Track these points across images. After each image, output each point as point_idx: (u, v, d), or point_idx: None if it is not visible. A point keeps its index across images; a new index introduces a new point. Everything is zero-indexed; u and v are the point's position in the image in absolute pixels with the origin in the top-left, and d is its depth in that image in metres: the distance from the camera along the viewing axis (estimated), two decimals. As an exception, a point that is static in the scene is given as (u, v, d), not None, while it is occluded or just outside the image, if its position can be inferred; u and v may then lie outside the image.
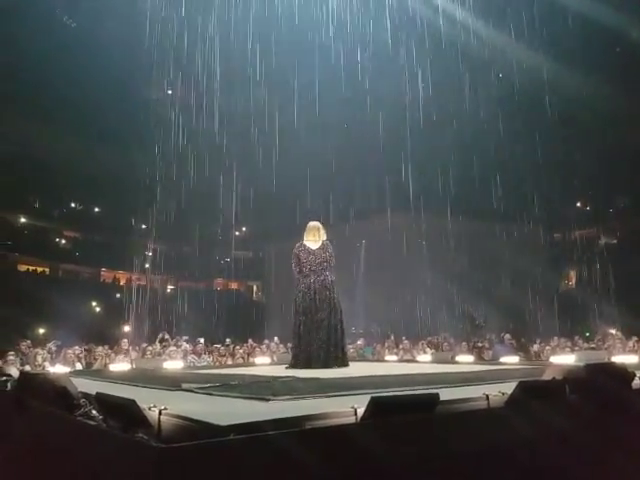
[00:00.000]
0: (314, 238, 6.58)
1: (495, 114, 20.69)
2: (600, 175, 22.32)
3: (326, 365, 5.89)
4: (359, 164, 21.80)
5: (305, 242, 6.57)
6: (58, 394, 2.75)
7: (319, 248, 6.49)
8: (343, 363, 6.12)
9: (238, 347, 11.08)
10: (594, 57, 20.27)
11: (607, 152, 22.20)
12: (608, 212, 26.82)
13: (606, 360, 5.57)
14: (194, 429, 2.02)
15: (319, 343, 6.01)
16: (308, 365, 5.90)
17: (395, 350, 11.02)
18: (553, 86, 20.21)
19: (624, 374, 3.19)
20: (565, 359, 6.12)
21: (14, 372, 4.33)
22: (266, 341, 11.94)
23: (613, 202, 27.10)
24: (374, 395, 2.21)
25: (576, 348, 10.22)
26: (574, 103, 20.40)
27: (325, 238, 6.63)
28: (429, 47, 20.10)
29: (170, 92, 25.23)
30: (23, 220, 30.25)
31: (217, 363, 9.41)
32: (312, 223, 6.76)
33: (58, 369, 5.94)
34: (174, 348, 9.83)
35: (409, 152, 21.11)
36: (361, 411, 2.17)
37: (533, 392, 2.72)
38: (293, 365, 6.11)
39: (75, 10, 25.25)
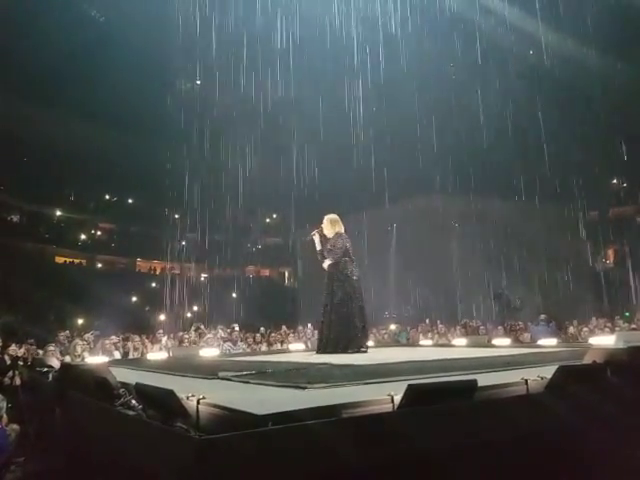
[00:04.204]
0: None
1: (526, 91, 20.15)
2: (637, 150, 21.57)
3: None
4: (389, 147, 21.55)
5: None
6: (98, 385, 2.81)
7: None
8: None
9: (272, 333, 11.17)
10: (627, 30, 19.54)
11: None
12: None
13: (648, 341, 5.41)
14: (232, 418, 2.04)
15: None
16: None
17: (430, 334, 10.93)
18: (585, 61, 19.59)
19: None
20: (605, 340, 5.96)
21: (55, 363, 4.45)
22: (300, 327, 12.01)
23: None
24: (411, 383, 2.19)
25: (616, 329, 9.94)
26: (608, 78, 19.72)
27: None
28: (453, 25, 19.76)
29: (199, 82, 25.39)
30: (59, 213, 31.04)
31: (252, 350, 9.52)
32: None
33: (98, 359, 6.09)
34: (210, 336, 9.98)
35: (439, 134, 20.80)
36: (398, 398, 2.15)
37: (573, 376, 2.65)
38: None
39: (103, 4, 25.57)
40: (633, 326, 10.55)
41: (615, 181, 26.70)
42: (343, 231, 6.50)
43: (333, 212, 6.72)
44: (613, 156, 20.64)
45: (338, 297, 6.15)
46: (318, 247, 6.53)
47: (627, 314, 13.77)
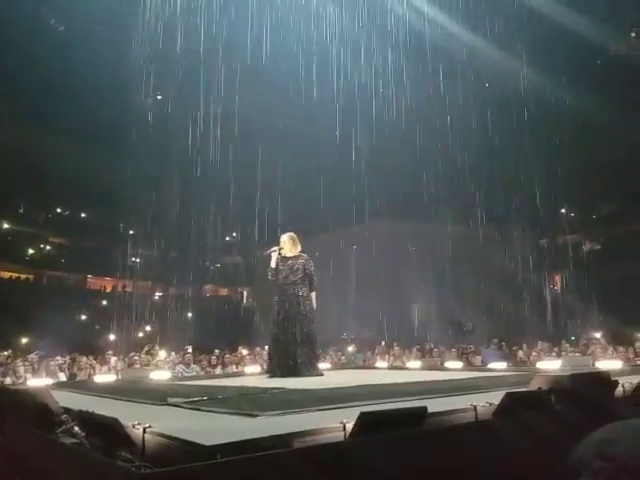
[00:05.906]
0: None
1: (481, 121, 20.86)
2: (584, 182, 22.69)
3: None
4: (349, 170, 21.78)
5: None
6: (38, 411, 2.69)
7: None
8: None
9: (228, 355, 10.97)
10: (579, 68, 20.61)
11: (591, 160, 22.65)
12: (591, 218, 27.30)
13: (591, 366, 5.63)
14: (179, 449, 1.98)
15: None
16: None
17: (386, 356, 11.01)
18: (538, 94, 20.49)
19: (608, 383, 3.24)
20: (551, 364, 6.16)
21: (-5, 386, 4.24)
22: (257, 349, 11.83)
23: (596, 209, 27.67)
24: (362, 411, 2.19)
25: (563, 353, 10.28)
26: (559, 111, 20.65)
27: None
28: (414, 50, 20.27)
29: (160, 97, 25.09)
30: (6, 226, 29.84)
31: (206, 373, 9.31)
32: None
33: (41, 381, 5.84)
34: (162, 358, 9.74)
35: (398, 157, 21.20)
36: (349, 426, 2.14)
37: (520, 403, 2.72)
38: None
39: (62, 13, 25.11)
40: (578, 350, 10.93)
41: (564, 211, 27.82)
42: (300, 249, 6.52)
43: (292, 231, 6.70)
44: (562, 187, 21.52)
45: (298, 319, 6.07)
46: (273, 264, 6.42)
47: (573, 338, 14.29)
